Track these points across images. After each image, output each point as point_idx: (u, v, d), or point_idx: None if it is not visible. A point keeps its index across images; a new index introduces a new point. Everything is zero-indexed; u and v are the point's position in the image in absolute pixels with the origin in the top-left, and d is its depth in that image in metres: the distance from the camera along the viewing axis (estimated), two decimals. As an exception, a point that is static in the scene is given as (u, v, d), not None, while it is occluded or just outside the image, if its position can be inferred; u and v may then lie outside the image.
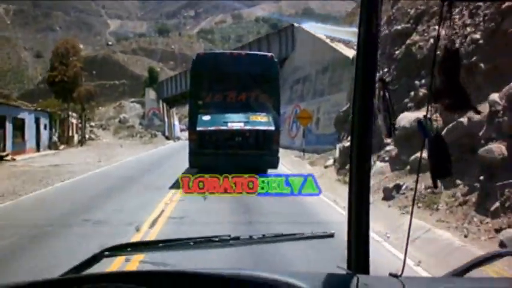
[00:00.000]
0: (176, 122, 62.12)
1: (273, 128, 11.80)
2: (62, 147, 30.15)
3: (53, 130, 30.35)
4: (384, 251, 5.41)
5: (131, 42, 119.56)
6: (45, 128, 27.81)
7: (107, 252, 1.50)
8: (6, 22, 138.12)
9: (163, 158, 22.69)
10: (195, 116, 12.02)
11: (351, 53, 22.38)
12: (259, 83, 12.61)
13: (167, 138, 48.10)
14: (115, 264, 4.07)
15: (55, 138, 30.44)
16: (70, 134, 36.05)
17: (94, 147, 34.65)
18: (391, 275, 1.25)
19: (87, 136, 43.73)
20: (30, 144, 24.99)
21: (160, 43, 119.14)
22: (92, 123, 47.60)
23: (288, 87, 31.67)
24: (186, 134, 64.15)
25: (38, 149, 26.14)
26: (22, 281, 1.18)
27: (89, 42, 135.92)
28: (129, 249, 1.74)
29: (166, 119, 51.44)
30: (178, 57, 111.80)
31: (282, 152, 16.06)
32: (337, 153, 15.89)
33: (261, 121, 11.89)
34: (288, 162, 20.41)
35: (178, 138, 52.97)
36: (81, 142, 36.00)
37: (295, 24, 32.37)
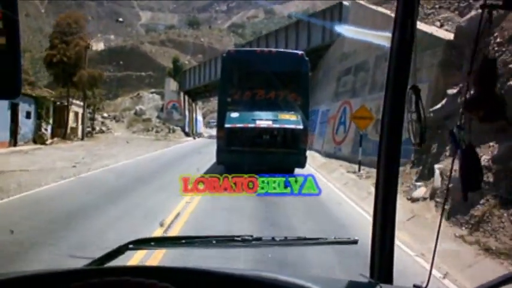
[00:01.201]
0: (199, 117, 55.97)
1: (301, 126, 11.61)
2: (50, 141, 24.22)
3: (44, 120, 24.51)
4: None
5: (160, 33, 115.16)
6: (27, 116, 21.92)
7: (131, 245, 1.51)
8: (40, 11, 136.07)
9: (167, 165, 16.17)
10: (223, 113, 11.89)
11: (431, 29, 15.54)
12: (289, 81, 12.33)
13: (187, 134, 41.97)
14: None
15: (46, 129, 24.58)
16: (72, 125, 30.30)
17: (96, 142, 28.72)
18: (415, 286, 1.24)
19: (97, 128, 38.07)
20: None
21: (190, 35, 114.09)
22: (105, 114, 41.93)
23: (332, 80, 24.79)
24: (210, 130, 58.14)
25: (14, 142, 20.25)
26: (47, 269, 1.18)
27: (120, 33, 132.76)
28: (152, 243, 1.75)
29: (187, 113, 45.31)
30: (207, 51, 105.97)
31: (324, 162, 14.34)
32: (437, 180, 9.09)
33: (290, 119, 11.66)
34: (338, 180, 13.69)
35: (200, 135, 46.80)
36: (83, 135, 30.10)
37: (345, 2, 25.55)
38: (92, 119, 35.96)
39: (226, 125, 11.42)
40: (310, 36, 29.20)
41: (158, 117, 43.37)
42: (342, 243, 1.70)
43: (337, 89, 23.07)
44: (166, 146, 26.41)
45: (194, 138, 41.43)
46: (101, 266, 1.37)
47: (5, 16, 0.92)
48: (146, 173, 13.20)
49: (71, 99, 29.93)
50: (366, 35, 18.15)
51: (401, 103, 1.25)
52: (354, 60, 21.39)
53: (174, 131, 40.93)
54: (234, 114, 11.61)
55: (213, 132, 58.89)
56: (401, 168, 12.05)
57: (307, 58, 12.89)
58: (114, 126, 39.99)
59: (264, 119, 11.64)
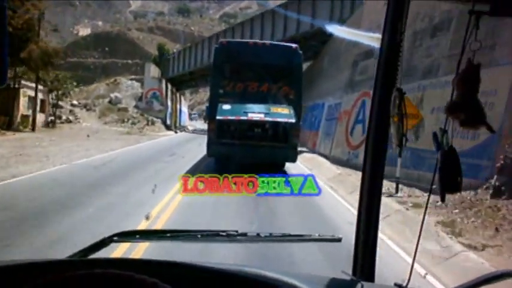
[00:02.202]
0: (184, 109, 50.22)
1: (293, 120, 11.25)
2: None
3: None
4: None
5: (148, 20, 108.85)
6: None
7: (115, 238, 1.48)
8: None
9: (103, 182, 10.33)
10: (215, 104, 11.53)
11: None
12: (282, 74, 12.04)
13: (167, 127, 36.33)
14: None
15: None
16: (26, 112, 24.55)
17: (50, 134, 22.97)
18: (396, 285, 1.23)
19: (64, 117, 32.25)
20: None
21: (180, 24, 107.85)
22: (74, 102, 36.05)
23: (344, 67, 19.41)
24: (195, 123, 52.58)
25: None
26: (31, 259, 1.17)
27: (109, 19, 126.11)
28: (137, 236, 1.73)
29: (169, 104, 39.60)
30: (197, 40, 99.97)
31: (337, 174, 12.41)
32: None
33: (282, 113, 11.37)
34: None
35: (183, 129, 41.17)
36: (34, 125, 24.25)
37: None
38: (55, 106, 30.13)
39: (218, 117, 11.03)
40: (314, 14, 23.85)
41: (136, 106, 37.65)
42: (326, 241, 1.67)
43: (353, 77, 17.70)
44: (136, 141, 20.83)
45: (175, 132, 35.83)
46: (84, 257, 1.35)
47: None
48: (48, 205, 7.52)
49: (23, 81, 24.15)
50: (356, 35, 15.84)
51: (388, 104, 1.26)
52: (378, 38, 16.10)
53: (153, 123, 35.30)
54: (226, 106, 11.25)
55: (199, 125, 53.69)
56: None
57: (300, 51, 12.39)
58: (84, 115, 34.19)
59: (256, 112, 11.26)
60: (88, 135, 22.69)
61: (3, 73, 0.94)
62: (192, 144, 20.91)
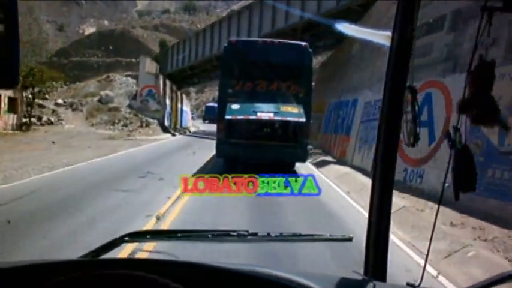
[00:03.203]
0: (186, 108, 45.00)
1: (303, 119, 10.91)
2: None
3: None
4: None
5: (153, 17, 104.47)
6: None
7: (126, 238, 1.48)
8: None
9: None
10: (224, 104, 11.21)
11: None
12: (291, 72, 11.66)
13: (165, 129, 31.20)
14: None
15: None
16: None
17: (11, 141, 17.95)
18: (408, 284, 1.20)
19: (44, 118, 27.30)
20: None
21: (185, 21, 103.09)
22: (59, 101, 31.08)
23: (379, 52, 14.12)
24: (198, 124, 47.49)
25: None
26: (43, 259, 1.15)
27: (114, 19, 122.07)
28: (148, 236, 1.72)
29: (167, 102, 34.43)
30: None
31: (403, 208, 7.97)
32: None
33: (292, 112, 11.01)
34: None
35: (184, 131, 36.05)
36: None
37: None
38: (30, 106, 25.15)
39: (227, 117, 10.70)
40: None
41: (130, 106, 32.55)
42: (337, 241, 1.64)
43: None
44: (112, 151, 15.57)
45: (173, 134, 30.69)
46: (95, 257, 1.33)
47: (4, 4, 0.90)
48: None
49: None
50: (366, 33, 14.98)
51: (400, 103, 1.23)
52: (449, 4, 10.75)
53: (148, 124, 30.19)
54: (235, 106, 10.94)
55: (203, 126, 48.54)
56: None
57: (310, 49, 12.14)
58: (69, 116, 29.18)
59: (265, 111, 10.92)
60: (53, 142, 17.54)
61: (16, 74, 0.93)
62: (183, 153, 15.80)
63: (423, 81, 10.84)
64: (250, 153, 10.53)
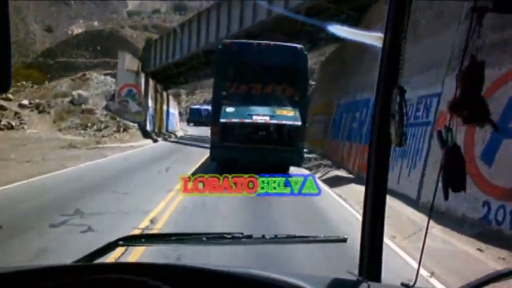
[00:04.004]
0: (173, 110, 40.75)
1: (299, 123, 10.74)
2: None
3: None
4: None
5: (143, 17, 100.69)
6: None
7: (121, 242, 1.45)
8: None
9: None
10: (218, 107, 10.96)
11: None
12: (287, 75, 11.38)
13: (146, 134, 27.02)
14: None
15: None
16: None
17: None
18: (403, 284, 1.20)
19: (4, 122, 23.04)
20: None
21: (176, 21, 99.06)
22: (24, 102, 26.77)
23: (445, 22, 10.04)
24: (187, 128, 43.45)
25: None
26: (36, 264, 1.14)
27: (104, 19, 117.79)
28: (143, 240, 1.68)
29: (150, 104, 30.20)
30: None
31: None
32: None
33: (287, 115, 10.82)
34: None
35: (168, 136, 31.90)
36: None
37: None
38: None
39: (221, 120, 10.48)
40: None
41: (107, 107, 28.31)
42: (331, 242, 1.64)
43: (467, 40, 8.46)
44: (57, 167, 11.42)
45: (155, 140, 26.58)
46: (89, 262, 1.31)
47: None
48: None
49: None
50: (358, 35, 13.78)
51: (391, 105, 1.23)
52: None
53: (126, 128, 26.02)
54: (230, 109, 10.75)
55: (192, 130, 44.50)
56: None
57: (306, 52, 12.01)
58: (34, 119, 24.87)
59: (261, 115, 10.70)
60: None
61: (8, 78, 0.90)
62: (153, 170, 11.82)
63: (506, 67, 6.90)
64: (245, 157, 10.16)
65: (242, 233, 1.48)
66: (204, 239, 1.50)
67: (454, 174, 1.15)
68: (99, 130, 25.02)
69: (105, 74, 33.13)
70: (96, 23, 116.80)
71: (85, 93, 28.46)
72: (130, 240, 1.58)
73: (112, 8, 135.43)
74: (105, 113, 27.35)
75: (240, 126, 10.57)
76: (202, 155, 14.03)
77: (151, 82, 30.89)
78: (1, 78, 0.89)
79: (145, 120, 28.66)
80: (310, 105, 19.73)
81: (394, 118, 1.22)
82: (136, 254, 4.12)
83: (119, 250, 3.61)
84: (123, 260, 3.68)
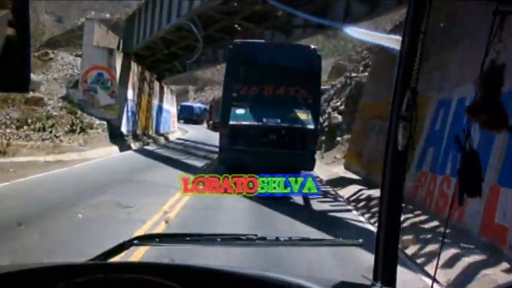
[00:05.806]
0: (167, 106, 31.75)
1: (312, 126, 10.22)
2: None
3: None
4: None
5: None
6: None
7: (135, 241, 1.45)
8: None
9: None
10: (228, 109, 10.35)
11: None
12: (299, 77, 10.75)
13: (116, 138, 18.29)
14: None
15: None
16: None
17: None
18: None
19: None
20: None
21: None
22: None
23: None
24: (185, 127, 34.33)
25: None
26: (52, 262, 1.12)
27: (116, 12, 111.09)
28: (157, 239, 1.62)
29: (130, 95, 21.48)
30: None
31: None
32: None
33: (300, 118, 10.26)
34: None
35: (160, 139, 23.15)
36: None
37: None
38: None
39: (231, 122, 9.90)
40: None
41: (66, 97, 19.72)
42: (347, 245, 1.52)
43: None
44: None
45: (129, 147, 17.92)
46: (104, 261, 1.28)
47: (16, 8, 0.87)
48: None
49: None
50: (376, 37, 11.70)
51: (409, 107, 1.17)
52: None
53: (84, 128, 17.47)
54: (240, 111, 10.14)
55: (192, 131, 35.67)
56: None
57: (319, 53, 11.47)
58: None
59: (272, 117, 10.05)
60: None
61: (27, 78, 0.89)
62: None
63: None
64: (254, 161, 9.28)
65: (256, 235, 1.45)
66: (219, 240, 1.48)
67: (469, 179, 1.11)
68: (43, 129, 16.42)
69: (78, 55, 24.63)
70: (108, 15, 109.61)
71: (36, 77, 19.90)
72: (145, 240, 1.57)
73: (125, 2, 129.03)
74: (61, 105, 18.71)
75: (251, 129, 9.98)
76: (169, 195, 8.16)
77: (134, 67, 22.23)
78: (20, 78, 0.89)
79: (119, 117, 19.95)
80: (363, 104, 14.41)
81: (404, 120, 1.19)
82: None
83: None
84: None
